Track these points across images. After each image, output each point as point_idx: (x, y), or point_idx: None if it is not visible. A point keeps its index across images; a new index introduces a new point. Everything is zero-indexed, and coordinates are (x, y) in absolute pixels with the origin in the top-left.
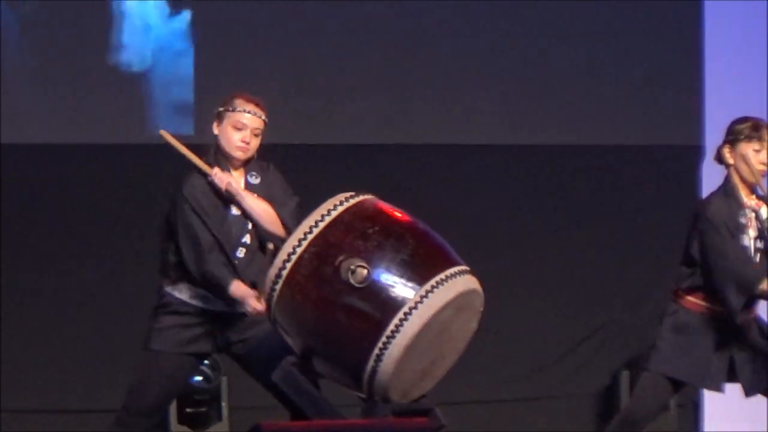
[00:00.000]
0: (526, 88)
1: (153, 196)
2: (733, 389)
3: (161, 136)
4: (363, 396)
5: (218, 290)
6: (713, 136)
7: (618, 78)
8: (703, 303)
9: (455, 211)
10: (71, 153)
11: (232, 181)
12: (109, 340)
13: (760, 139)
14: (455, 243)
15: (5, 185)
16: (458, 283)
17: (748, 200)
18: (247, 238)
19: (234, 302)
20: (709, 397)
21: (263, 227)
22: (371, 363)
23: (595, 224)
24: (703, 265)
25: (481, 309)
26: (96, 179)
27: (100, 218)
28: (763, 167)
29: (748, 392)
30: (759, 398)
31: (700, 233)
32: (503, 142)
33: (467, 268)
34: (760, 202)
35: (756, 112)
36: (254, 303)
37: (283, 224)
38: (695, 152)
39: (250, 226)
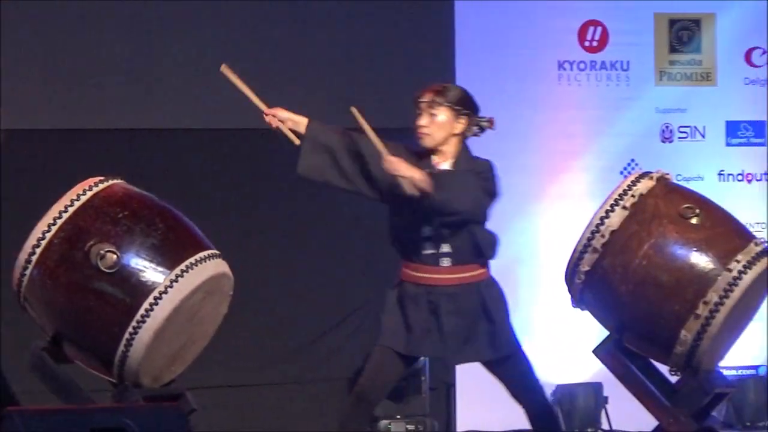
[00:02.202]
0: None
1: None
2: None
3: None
4: (114, 381)
5: None
6: None
7: (370, 66)
8: (412, 273)
9: (206, 196)
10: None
11: None
12: None
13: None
14: (206, 228)
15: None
16: (208, 267)
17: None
18: None
19: None
20: (461, 378)
21: None
22: (122, 348)
23: (347, 209)
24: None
25: (231, 293)
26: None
27: None
28: (421, 130)
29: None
30: None
31: None
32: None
33: (217, 252)
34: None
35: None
36: None
37: None
38: None
39: None
